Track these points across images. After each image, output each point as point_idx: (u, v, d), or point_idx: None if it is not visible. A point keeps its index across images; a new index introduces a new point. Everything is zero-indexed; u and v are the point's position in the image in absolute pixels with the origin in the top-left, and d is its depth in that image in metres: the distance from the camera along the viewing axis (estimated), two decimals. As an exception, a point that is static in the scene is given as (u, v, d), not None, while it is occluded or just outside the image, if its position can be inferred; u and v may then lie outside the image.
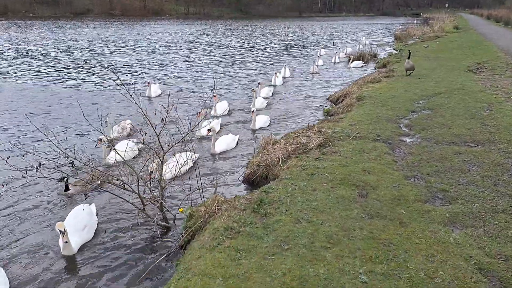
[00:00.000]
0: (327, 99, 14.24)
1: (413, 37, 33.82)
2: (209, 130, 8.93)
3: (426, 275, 3.78)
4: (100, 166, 6.90)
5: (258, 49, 30.08)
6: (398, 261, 4.00)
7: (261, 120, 10.85)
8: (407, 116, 9.18)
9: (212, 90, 6.07)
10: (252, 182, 7.18)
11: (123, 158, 5.98)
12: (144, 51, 28.97)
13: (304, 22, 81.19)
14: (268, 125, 10.87)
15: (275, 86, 15.95)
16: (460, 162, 6.45)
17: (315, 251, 4.19)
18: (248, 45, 33.29)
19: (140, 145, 7.78)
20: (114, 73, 5.47)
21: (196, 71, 19.93)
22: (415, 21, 63.04)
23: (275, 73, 16.59)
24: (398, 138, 7.68)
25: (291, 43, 34.99)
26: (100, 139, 7.56)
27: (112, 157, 7.50)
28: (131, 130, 9.73)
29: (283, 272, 3.88)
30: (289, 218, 4.85)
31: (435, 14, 70.55)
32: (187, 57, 25.60)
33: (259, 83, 14.35)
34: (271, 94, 14.53)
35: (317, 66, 20.02)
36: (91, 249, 5.36)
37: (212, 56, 25.92)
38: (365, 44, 30.99)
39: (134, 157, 8.11)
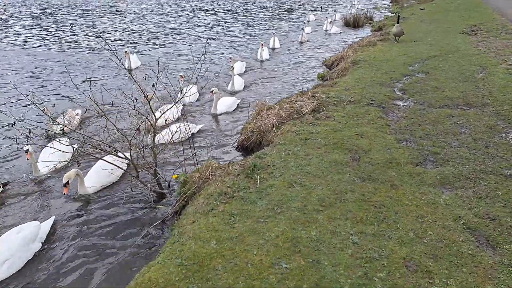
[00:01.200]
0: (322, 63, 14.06)
1: (410, -1, 32.99)
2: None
3: (415, 235, 3.88)
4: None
5: (248, 14, 29.27)
6: (389, 222, 4.09)
7: (224, 103, 9.41)
8: (401, 80, 9.11)
9: (203, 55, 5.91)
10: (246, 148, 7.19)
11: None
12: (130, 15, 28.09)
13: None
14: (234, 109, 9.48)
15: (262, 61, 14.20)
16: (452, 125, 6.48)
17: (308, 214, 4.26)
18: (238, 8, 32.35)
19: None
20: (102, 37, 5.31)
21: (183, 36, 19.42)
22: None
23: (261, 44, 14.50)
24: (391, 102, 7.66)
25: (281, 8, 33.95)
26: (27, 151, 5.94)
27: (44, 169, 6.33)
28: (80, 121, 8.01)
29: (276, 235, 3.95)
30: (282, 183, 4.89)
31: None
32: (174, 21, 24.90)
33: (230, 58, 12.51)
34: (244, 70, 12.81)
35: (306, 34, 18.49)
36: (87, 215, 5.42)
37: (200, 21, 25.21)
38: (357, 8, 29.27)
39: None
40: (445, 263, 3.53)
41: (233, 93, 10.73)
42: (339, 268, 3.51)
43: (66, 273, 4.40)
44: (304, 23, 21.94)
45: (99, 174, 6.04)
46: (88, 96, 4.98)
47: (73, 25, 22.03)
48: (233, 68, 11.02)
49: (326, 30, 20.67)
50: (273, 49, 16.01)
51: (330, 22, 20.55)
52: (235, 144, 7.51)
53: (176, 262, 3.69)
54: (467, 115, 6.83)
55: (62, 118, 7.30)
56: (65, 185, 5.30)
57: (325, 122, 6.78)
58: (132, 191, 5.74)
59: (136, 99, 5.33)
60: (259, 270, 3.52)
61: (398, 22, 14.01)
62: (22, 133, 4.69)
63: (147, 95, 5.37)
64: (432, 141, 5.91)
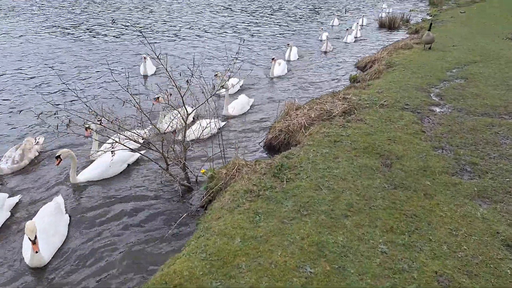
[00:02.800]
0: (355, 65, 13.78)
1: (449, 1, 31.88)
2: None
3: (449, 249, 3.71)
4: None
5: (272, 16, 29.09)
6: (420, 233, 3.93)
7: (237, 103, 8.98)
8: (438, 85, 8.78)
9: (236, 53, 5.92)
10: (273, 147, 7.12)
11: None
12: (167, 11, 28.54)
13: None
14: (247, 110, 9.13)
15: (272, 78, 12.07)
16: (492, 134, 6.17)
17: (335, 218, 4.15)
18: (269, 9, 32.25)
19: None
20: (141, 33, 5.38)
21: (217, 34, 19.50)
22: None
23: (272, 59, 12.06)
24: (427, 107, 7.38)
25: (308, 9, 33.39)
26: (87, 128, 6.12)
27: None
28: (39, 152, 6.79)
29: (301, 237, 3.88)
30: (309, 184, 4.80)
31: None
32: (207, 19, 25.10)
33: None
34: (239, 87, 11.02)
35: (331, 45, 16.27)
36: (115, 203, 5.51)
37: (232, 21, 25.28)
38: (387, 12, 26.09)
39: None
40: (481, 281, 3.35)
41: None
42: (366, 277, 3.40)
43: (92, 262, 4.48)
44: (320, 29, 19.00)
45: (97, 166, 6.15)
46: (126, 90, 5.06)
47: (115, 20, 22.56)
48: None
49: (355, 37, 18.66)
50: (288, 61, 13.84)
51: (358, 25, 19.55)
52: (262, 143, 7.46)
53: (200, 257, 3.68)
54: (509, 125, 6.49)
55: (17, 148, 6.50)
56: (57, 158, 5.64)
57: (356, 125, 6.62)
58: (161, 183, 5.79)
59: (171, 94, 5.36)
60: (283, 272, 3.46)
61: (429, 30, 13.14)
62: (62, 122, 4.83)
63: (158, 98, 5.60)
64: (470, 150, 5.65)
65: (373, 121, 6.74)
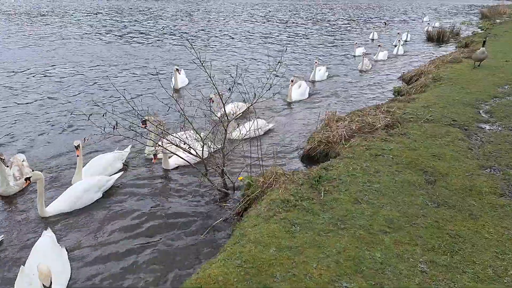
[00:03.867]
0: (399, 77, 13.46)
1: (503, 15, 30.38)
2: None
3: (494, 273, 3.52)
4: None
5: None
6: (464, 254, 3.76)
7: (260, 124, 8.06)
8: (488, 102, 8.38)
9: (279, 62, 6.00)
10: (311, 158, 7.09)
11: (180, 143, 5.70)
12: (209, 20, 29.28)
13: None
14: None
15: (290, 103, 10.72)
16: (547, 156, 5.80)
17: (373, 234, 4.06)
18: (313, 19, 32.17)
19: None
20: (188, 41, 5.59)
21: (257, 43, 19.73)
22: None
23: (291, 82, 10.60)
24: (476, 124, 7.07)
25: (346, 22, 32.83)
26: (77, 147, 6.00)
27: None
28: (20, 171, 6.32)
29: (337, 251, 3.83)
30: (348, 198, 4.73)
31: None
32: (249, 29, 25.47)
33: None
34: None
35: (369, 62, 14.82)
36: (152, 206, 5.71)
37: (279, 30, 25.49)
38: (432, 26, 24.90)
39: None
40: (529, 310, 3.15)
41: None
42: (404, 296, 3.29)
43: (127, 259, 4.64)
44: (355, 44, 17.93)
45: (68, 196, 5.54)
46: (171, 95, 5.26)
47: (164, 27, 23.51)
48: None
49: (397, 54, 17.56)
50: (313, 82, 12.57)
51: (400, 41, 18.29)
52: (301, 153, 7.44)
53: (235, 263, 3.73)
54: None
55: (10, 165, 6.31)
56: (26, 180, 5.22)
57: (399, 139, 6.45)
58: (199, 187, 5.93)
59: (212, 101, 5.51)
60: (317, 285, 3.42)
61: (483, 46, 11.79)
62: (109, 123, 5.08)
63: (147, 120, 5.92)
64: (521, 171, 5.34)
65: (417, 136, 6.55)
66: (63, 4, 36.55)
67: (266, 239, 4.04)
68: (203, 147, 5.45)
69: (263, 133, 8.24)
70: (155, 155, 6.40)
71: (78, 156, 5.95)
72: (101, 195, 5.86)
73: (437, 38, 21.05)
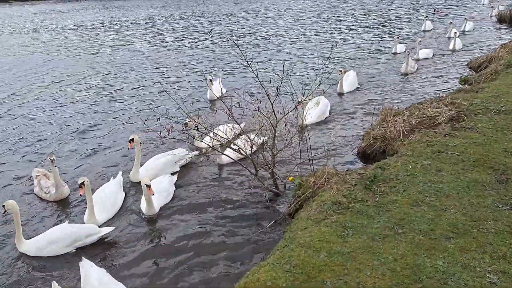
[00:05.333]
0: (467, 65, 12.43)
1: None
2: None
3: None
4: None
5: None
6: (542, 265, 3.31)
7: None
8: None
9: (328, 58, 5.80)
10: (367, 156, 6.76)
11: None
12: (257, 20, 29.29)
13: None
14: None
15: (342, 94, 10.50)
16: None
17: (434, 240, 3.73)
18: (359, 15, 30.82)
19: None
20: (235, 43, 5.59)
21: (305, 41, 19.28)
22: None
23: (340, 72, 10.15)
24: (557, 114, 6.26)
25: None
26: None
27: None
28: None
29: (394, 258, 3.57)
30: (406, 200, 4.41)
31: None
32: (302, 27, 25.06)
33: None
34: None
35: (414, 63, 12.46)
36: (205, 206, 5.80)
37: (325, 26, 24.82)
38: (498, 10, 20.89)
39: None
40: None
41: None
42: (470, 311, 2.97)
43: (175, 260, 4.75)
44: (396, 38, 15.05)
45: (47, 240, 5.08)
46: (220, 98, 5.29)
47: (212, 31, 24.06)
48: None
49: (453, 49, 14.64)
50: (341, 94, 10.55)
51: (456, 32, 15.10)
52: (355, 150, 7.12)
53: (284, 268, 3.63)
54: None
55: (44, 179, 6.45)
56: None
57: (465, 134, 5.90)
58: (250, 188, 5.91)
59: (260, 101, 5.46)
60: (371, 295, 3.21)
61: None
62: (164, 127, 5.27)
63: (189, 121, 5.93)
64: None
65: (486, 130, 5.94)
66: (122, 15, 38.92)
67: (316, 243, 3.89)
68: (252, 147, 5.41)
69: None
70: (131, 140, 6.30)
71: (81, 194, 5.41)
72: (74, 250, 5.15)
73: (509, 20, 19.11)
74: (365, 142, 6.83)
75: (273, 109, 5.51)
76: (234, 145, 5.81)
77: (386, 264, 3.51)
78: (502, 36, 16.60)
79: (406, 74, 11.97)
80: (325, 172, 5.23)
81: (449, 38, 16.04)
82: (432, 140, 5.85)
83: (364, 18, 25.02)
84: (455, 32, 15.19)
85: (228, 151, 5.98)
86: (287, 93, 5.97)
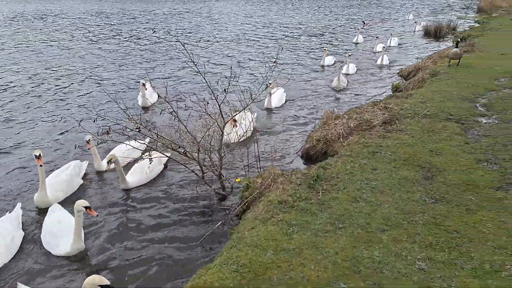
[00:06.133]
0: (397, 73, 13.45)
1: (499, 9, 30.23)
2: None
3: (491, 268, 3.50)
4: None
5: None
6: (462, 250, 3.74)
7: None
8: (485, 95, 8.35)
9: (274, 62, 6.02)
10: (310, 157, 7.08)
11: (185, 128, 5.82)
12: (208, 24, 29.28)
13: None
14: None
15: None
16: (545, 148, 5.77)
17: (371, 233, 4.05)
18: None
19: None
20: (181, 43, 5.57)
21: (255, 44, 19.71)
22: None
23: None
24: (472, 118, 7.04)
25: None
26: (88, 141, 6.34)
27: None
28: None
29: (335, 251, 3.82)
30: (346, 196, 4.72)
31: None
32: (246, 31, 25.44)
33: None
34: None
35: (345, 78, 12.20)
36: (149, 210, 5.70)
37: (269, 33, 25.44)
38: (421, 25, 22.67)
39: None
40: (528, 305, 3.13)
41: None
42: (402, 295, 3.28)
43: (122, 265, 4.65)
44: (325, 50, 14.94)
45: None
46: (164, 98, 5.25)
47: (155, 29, 23.56)
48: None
49: (381, 64, 14.77)
50: (269, 109, 10.00)
51: (384, 48, 15.42)
52: (299, 152, 7.43)
53: (232, 268, 3.71)
54: None
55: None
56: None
57: (396, 136, 6.44)
58: (197, 191, 5.93)
59: (208, 103, 5.51)
60: (315, 287, 3.41)
61: (457, 46, 11.09)
62: (102, 128, 5.09)
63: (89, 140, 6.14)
64: (518, 164, 5.32)
65: (414, 132, 6.53)
66: (47, 8, 36.60)
67: (263, 242, 4.03)
68: (198, 149, 5.44)
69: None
70: (109, 162, 5.92)
71: (41, 166, 5.38)
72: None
73: (434, 34, 20.98)
74: (309, 143, 7.16)
75: (220, 111, 5.59)
76: (180, 147, 5.79)
77: (328, 257, 3.74)
78: (428, 48, 18.16)
79: (338, 89, 11.69)
80: (271, 172, 5.41)
81: (375, 52, 16.61)
82: (368, 141, 6.29)
83: (300, 28, 25.73)
84: (384, 47, 15.48)
85: (168, 153, 5.93)
86: (234, 93, 6.07)
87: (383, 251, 3.78)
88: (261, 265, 3.70)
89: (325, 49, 15.33)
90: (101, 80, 12.60)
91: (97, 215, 4.74)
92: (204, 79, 5.44)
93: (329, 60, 14.93)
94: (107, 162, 5.92)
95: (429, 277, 3.43)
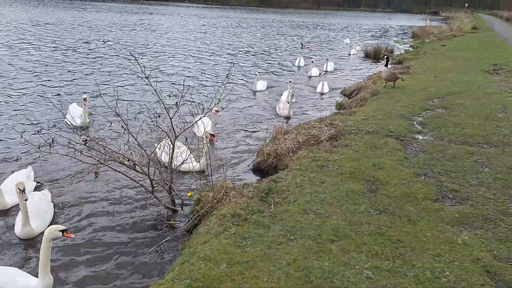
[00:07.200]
0: (341, 92, 14.13)
1: (431, 35, 33.21)
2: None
3: (432, 275, 3.76)
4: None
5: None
6: (405, 258, 3.98)
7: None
8: (421, 114, 9.06)
9: (226, 76, 6.10)
10: (261, 170, 7.18)
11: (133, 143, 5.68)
12: (161, 36, 28.91)
13: (320, 15, 79.78)
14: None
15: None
16: (472, 162, 6.36)
17: (321, 243, 4.17)
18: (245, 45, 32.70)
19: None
20: (131, 54, 5.46)
21: (207, 60, 19.77)
22: (428, 21, 51.68)
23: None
24: (410, 135, 7.59)
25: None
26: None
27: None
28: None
29: (287, 262, 3.88)
30: (297, 209, 4.84)
31: (454, 13, 69.47)
32: (199, 47, 25.48)
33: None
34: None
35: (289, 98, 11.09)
36: (96, 227, 5.42)
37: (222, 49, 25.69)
38: (356, 49, 24.11)
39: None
40: (463, 307, 3.39)
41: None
42: (352, 303, 3.40)
43: (72, 281, 4.37)
44: (256, 75, 13.87)
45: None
46: (114, 110, 5.08)
47: (106, 40, 22.76)
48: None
49: (321, 92, 14.01)
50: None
51: (324, 73, 15.18)
52: (251, 166, 7.50)
53: (185, 283, 3.63)
54: (488, 154, 6.71)
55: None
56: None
57: (342, 151, 6.74)
58: (146, 206, 5.74)
59: (159, 116, 5.41)
60: (269, 298, 3.43)
61: (386, 65, 11.56)
62: (45, 141, 4.80)
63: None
64: (451, 177, 5.80)
65: (358, 147, 6.89)
66: None
67: (216, 256, 3.99)
68: (149, 163, 5.31)
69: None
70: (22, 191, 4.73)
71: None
72: None
73: (373, 56, 22.48)
74: (260, 157, 7.26)
75: (171, 124, 5.52)
76: (128, 160, 5.60)
77: (281, 268, 3.79)
78: (369, 68, 19.35)
79: (285, 117, 10.79)
80: (223, 186, 5.40)
81: (310, 77, 16.42)
82: (316, 156, 6.52)
83: (243, 48, 25.45)
84: (325, 72, 15.24)
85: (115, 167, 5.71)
86: (187, 107, 6.01)
87: (333, 261, 3.91)
88: (214, 278, 3.65)
89: (256, 74, 13.91)
90: (42, 92, 11.86)
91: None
92: (155, 91, 5.35)
93: (261, 85, 13.77)
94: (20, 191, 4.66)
95: (376, 285, 3.60)
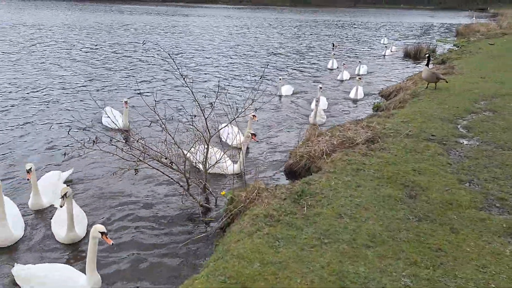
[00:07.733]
0: (379, 93, 13.74)
1: (477, 33, 31.60)
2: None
3: (476, 286, 3.54)
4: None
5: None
6: (446, 268, 3.78)
7: None
8: (466, 117, 8.61)
9: (260, 77, 6.09)
10: (293, 172, 7.09)
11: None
12: (198, 38, 29.43)
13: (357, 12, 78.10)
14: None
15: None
16: (522, 170, 5.96)
17: (356, 248, 4.05)
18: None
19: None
20: (169, 55, 5.58)
21: (240, 60, 19.87)
22: (474, 18, 48.59)
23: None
24: (454, 139, 7.23)
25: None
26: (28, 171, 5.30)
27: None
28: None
29: (321, 265, 3.80)
30: (331, 212, 4.73)
31: (504, 10, 65.66)
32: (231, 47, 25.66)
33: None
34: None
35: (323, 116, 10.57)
36: (134, 223, 5.57)
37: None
38: (391, 51, 22.84)
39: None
40: (510, 323, 3.17)
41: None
42: (388, 311, 3.27)
43: (109, 276, 4.51)
44: (279, 80, 13.24)
45: None
46: (153, 110, 5.20)
47: (145, 42, 23.50)
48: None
49: (355, 98, 12.96)
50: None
51: (359, 79, 13.16)
52: (283, 167, 7.44)
53: (219, 279, 3.65)
54: (540, 161, 6.26)
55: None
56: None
57: (379, 154, 6.53)
58: (182, 203, 5.83)
59: (195, 116, 5.49)
60: (301, 301, 3.37)
61: (427, 65, 10.99)
62: (89, 138, 5.01)
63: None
64: (499, 185, 5.46)
65: (397, 151, 6.64)
66: (22, 19, 36.11)
67: (249, 254, 3.98)
68: (185, 162, 5.39)
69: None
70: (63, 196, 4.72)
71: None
72: None
73: (413, 56, 21.70)
74: (292, 159, 7.19)
75: (206, 124, 5.57)
76: (166, 159, 5.72)
77: (315, 271, 3.72)
78: (409, 68, 18.71)
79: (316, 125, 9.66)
80: (256, 187, 5.38)
81: (342, 81, 15.58)
82: (352, 159, 6.36)
83: (275, 48, 24.90)
84: (359, 78, 13.32)
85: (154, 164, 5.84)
86: (220, 108, 6.06)
87: (369, 267, 3.78)
88: (248, 277, 3.64)
89: (280, 78, 13.27)
90: (86, 92, 12.39)
91: (113, 244, 4.15)
92: (192, 92, 5.43)
93: (286, 89, 13.11)
94: (62, 197, 4.69)
95: (415, 294, 3.45)
